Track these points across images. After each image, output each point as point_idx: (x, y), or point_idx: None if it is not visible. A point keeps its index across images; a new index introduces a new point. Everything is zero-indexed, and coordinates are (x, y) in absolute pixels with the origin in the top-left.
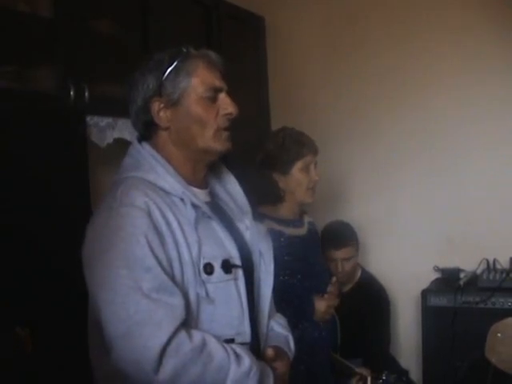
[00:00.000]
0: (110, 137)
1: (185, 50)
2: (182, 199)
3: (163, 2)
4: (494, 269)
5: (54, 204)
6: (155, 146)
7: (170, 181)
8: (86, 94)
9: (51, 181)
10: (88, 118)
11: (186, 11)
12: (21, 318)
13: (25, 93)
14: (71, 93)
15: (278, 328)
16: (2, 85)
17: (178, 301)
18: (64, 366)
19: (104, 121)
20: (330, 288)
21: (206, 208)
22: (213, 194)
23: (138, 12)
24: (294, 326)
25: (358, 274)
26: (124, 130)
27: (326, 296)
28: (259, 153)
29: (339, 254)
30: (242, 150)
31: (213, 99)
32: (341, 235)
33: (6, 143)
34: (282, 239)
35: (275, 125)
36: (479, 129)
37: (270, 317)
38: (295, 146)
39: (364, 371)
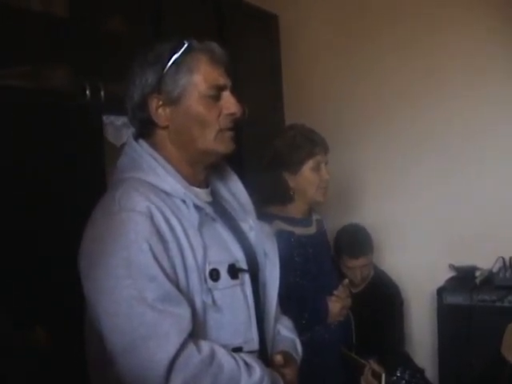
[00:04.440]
0: (126, 136)
1: (186, 43)
2: (183, 201)
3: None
4: (511, 267)
5: (70, 204)
6: (153, 145)
7: (170, 182)
8: (102, 93)
9: (68, 181)
10: (104, 118)
11: (199, 9)
12: (39, 316)
13: (40, 92)
14: (87, 92)
15: (285, 331)
16: (18, 84)
17: (184, 311)
18: (81, 364)
19: (120, 120)
20: (340, 289)
21: (209, 209)
22: (214, 194)
23: (150, 10)
24: (305, 329)
25: (371, 272)
26: None
27: (335, 298)
28: (268, 151)
29: (357, 262)
30: (256, 147)
31: (216, 98)
32: (358, 243)
33: (23, 143)
34: (292, 239)
35: (289, 122)
36: (493, 128)
37: (276, 320)
38: (306, 144)
39: (376, 367)
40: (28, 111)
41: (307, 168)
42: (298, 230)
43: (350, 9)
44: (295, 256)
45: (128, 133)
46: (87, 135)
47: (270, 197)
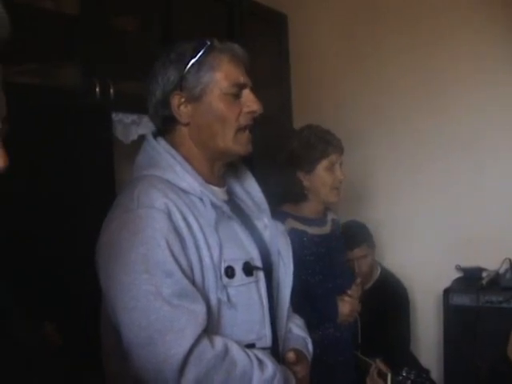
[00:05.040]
0: (135, 133)
1: (209, 43)
2: (200, 199)
3: None
4: None
5: (79, 201)
6: (172, 142)
7: (188, 180)
8: (111, 91)
9: (77, 178)
10: (113, 115)
11: (209, 8)
12: (47, 312)
13: (50, 90)
14: (97, 90)
15: (296, 330)
16: (28, 82)
17: (199, 307)
18: (89, 360)
19: (129, 118)
20: (353, 288)
21: (225, 207)
22: (230, 192)
23: (160, 9)
24: (315, 327)
25: (377, 272)
26: (149, 126)
27: (347, 298)
28: (283, 151)
29: (353, 253)
30: (264, 148)
31: (236, 96)
32: (352, 235)
33: (32, 140)
34: (305, 239)
35: (297, 123)
36: (500, 129)
37: (288, 318)
38: (321, 144)
39: (382, 366)
40: (37, 109)
41: (321, 168)
42: (312, 230)
43: (359, 9)
44: (307, 255)
45: (137, 131)
46: (96, 133)
47: (284, 196)
